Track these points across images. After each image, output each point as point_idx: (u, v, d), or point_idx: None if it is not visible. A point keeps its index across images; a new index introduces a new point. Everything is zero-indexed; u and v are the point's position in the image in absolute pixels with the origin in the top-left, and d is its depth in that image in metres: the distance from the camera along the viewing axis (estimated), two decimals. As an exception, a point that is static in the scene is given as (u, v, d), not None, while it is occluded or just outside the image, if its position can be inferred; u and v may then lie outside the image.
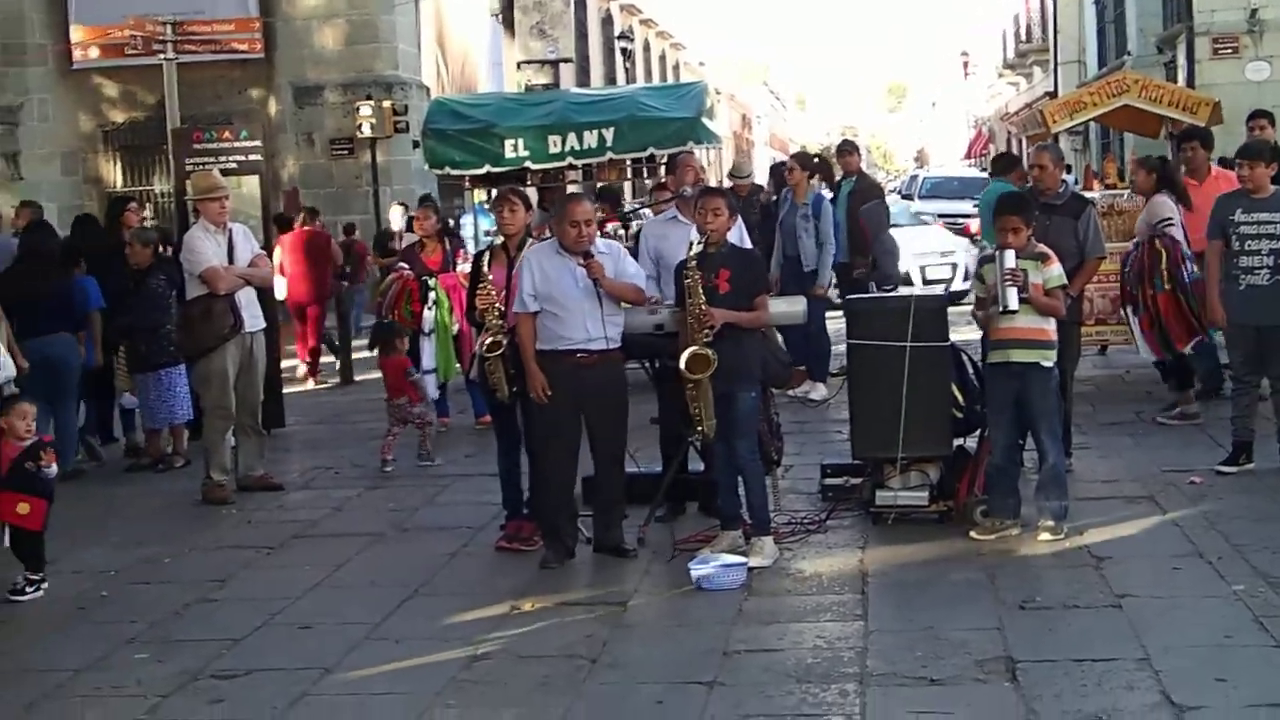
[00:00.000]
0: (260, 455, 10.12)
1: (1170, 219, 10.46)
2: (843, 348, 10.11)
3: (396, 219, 16.19)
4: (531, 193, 11.70)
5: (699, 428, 7.62)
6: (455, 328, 11.45)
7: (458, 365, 11.52)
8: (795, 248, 12.79)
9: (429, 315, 11.49)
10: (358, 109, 22.75)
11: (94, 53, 23.47)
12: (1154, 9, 30.40)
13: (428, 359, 11.54)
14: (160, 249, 11.71)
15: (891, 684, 5.83)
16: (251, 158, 12.84)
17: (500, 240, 8.38)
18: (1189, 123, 13.11)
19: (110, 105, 23.96)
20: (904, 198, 37.43)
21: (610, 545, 7.90)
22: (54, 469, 7.79)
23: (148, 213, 13.37)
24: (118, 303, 10.92)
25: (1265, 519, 8.11)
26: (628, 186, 25.12)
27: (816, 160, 14.91)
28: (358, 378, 15.28)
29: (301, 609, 7.14)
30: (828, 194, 13.58)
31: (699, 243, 7.67)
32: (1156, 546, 7.69)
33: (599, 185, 15.22)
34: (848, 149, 14.65)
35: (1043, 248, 8.07)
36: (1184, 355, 10.71)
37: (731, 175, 15.02)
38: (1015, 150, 45.65)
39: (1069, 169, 11.96)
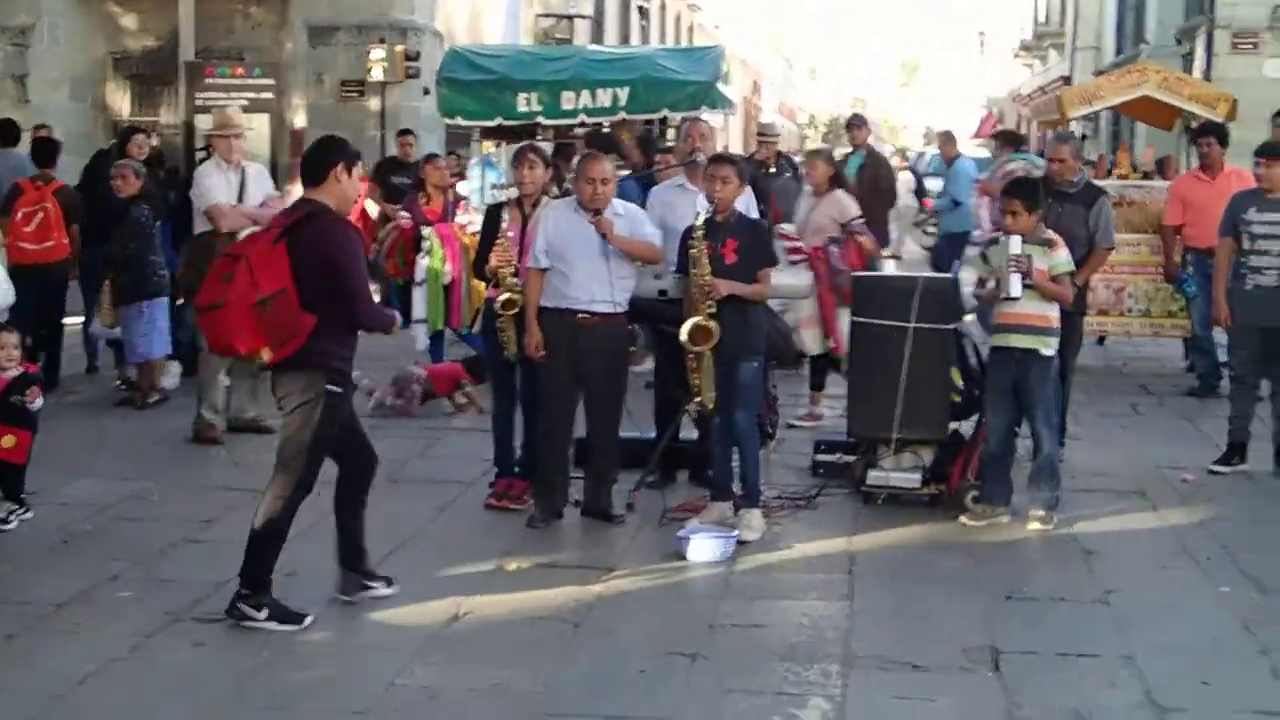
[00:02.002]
0: (253, 397, 10.07)
1: (860, 216, 10.35)
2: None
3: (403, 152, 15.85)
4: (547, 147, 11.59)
5: (697, 398, 7.59)
6: (448, 278, 11.40)
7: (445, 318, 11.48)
8: None
9: (422, 264, 11.44)
10: (370, 52, 22.59)
11: (111, -22, 23.30)
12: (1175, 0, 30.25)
13: (419, 308, 11.48)
14: (165, 176, 11.62)
15: (874, 667, 5.82)
16: (263, 95, 12.87)
17: (516, 195, 8.32)
18: (1207, 117, 13.03)
19: (123, 33, 23.74)
20: (912, 174, 37.32)
21: (599, 510, 7.88)
22: (40, 402, 7.78)
23: (154, 143, 13.15)
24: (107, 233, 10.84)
25: (1256, 521, 8.11)
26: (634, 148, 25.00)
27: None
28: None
29: (286, 555, 7.06)
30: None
31: (707, 211, 7.62)
32: (1146, 543, 7.68)
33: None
34: (857, 122, 14.61)
35: (1050, 234, 8.04)
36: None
37: (761, 134, 14.94)
38: (1027, 133, 45.51)
39: (1089, 162, 11.89)
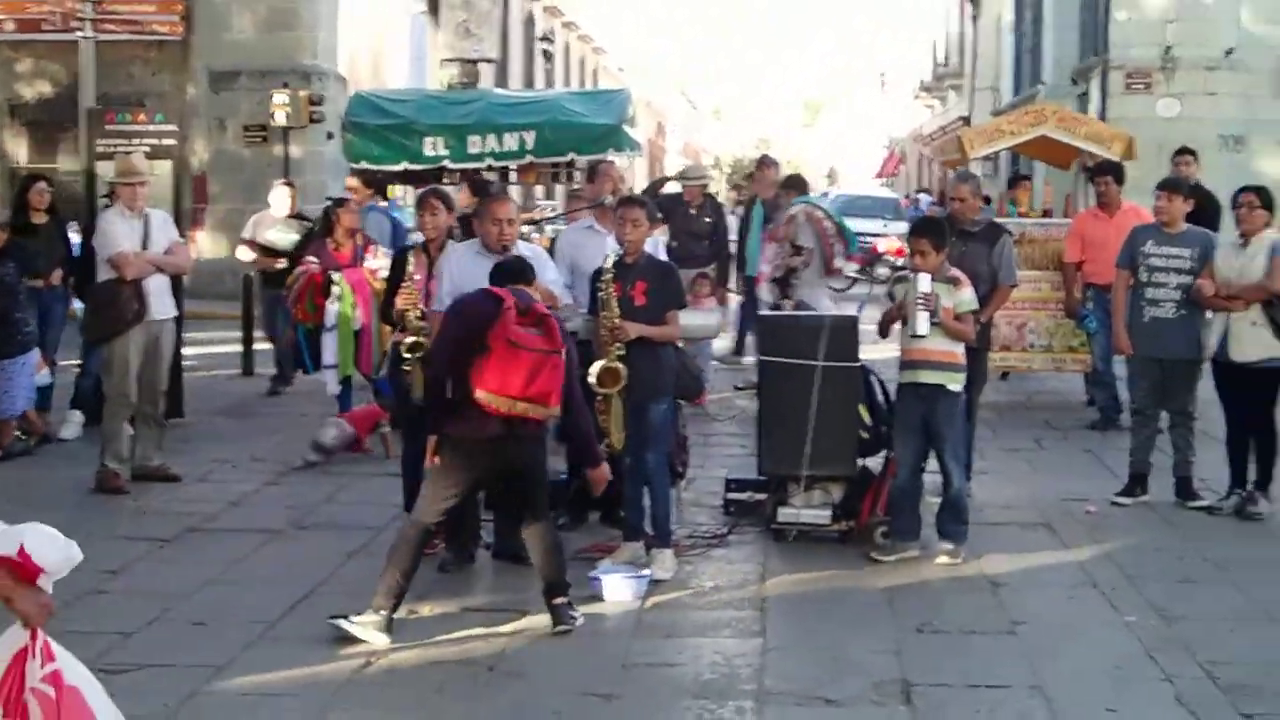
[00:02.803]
0: (158, 445, 9.96)
1: None
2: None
3: (279, 201, 14.69)
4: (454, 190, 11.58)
5: (607, 440, 7.61)
6: (358, 323, 11.35)
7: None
8: None
9: (332, 309, 11.37)
10: (273, 97, 22.50)
11: (9, 26, 23.01)
12: (1071, 41, 30.84)
13: (329, 354, 11.42)
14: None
15: (788, 703, 5.85)
16: (165, 142, 12.79)
17: (422, 240, 8.31)
18: (1104, 156, 13.30)
19: (19, 79, 23.50)
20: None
21: (511, 552, 7.84)
22: None
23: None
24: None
25: (1158, 551, 8.25)
26: (542, 192, 25.10)
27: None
28: (258, 370, 15.01)
29: (196, 605, 7.03)
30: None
31: (616, 253, 7.66)
32: (1052, 574, 7.79)
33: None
34: (766, 163, 14.77)
35: (955, 272, 8.16)
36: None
37: (683, 177, 15.06)
38: (928, 173, 46.22)
39: (987, 200, 12.09)
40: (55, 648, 3.95)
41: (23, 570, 3.91)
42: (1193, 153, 12.85)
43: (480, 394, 6.45)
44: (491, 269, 7.10)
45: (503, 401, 6.45)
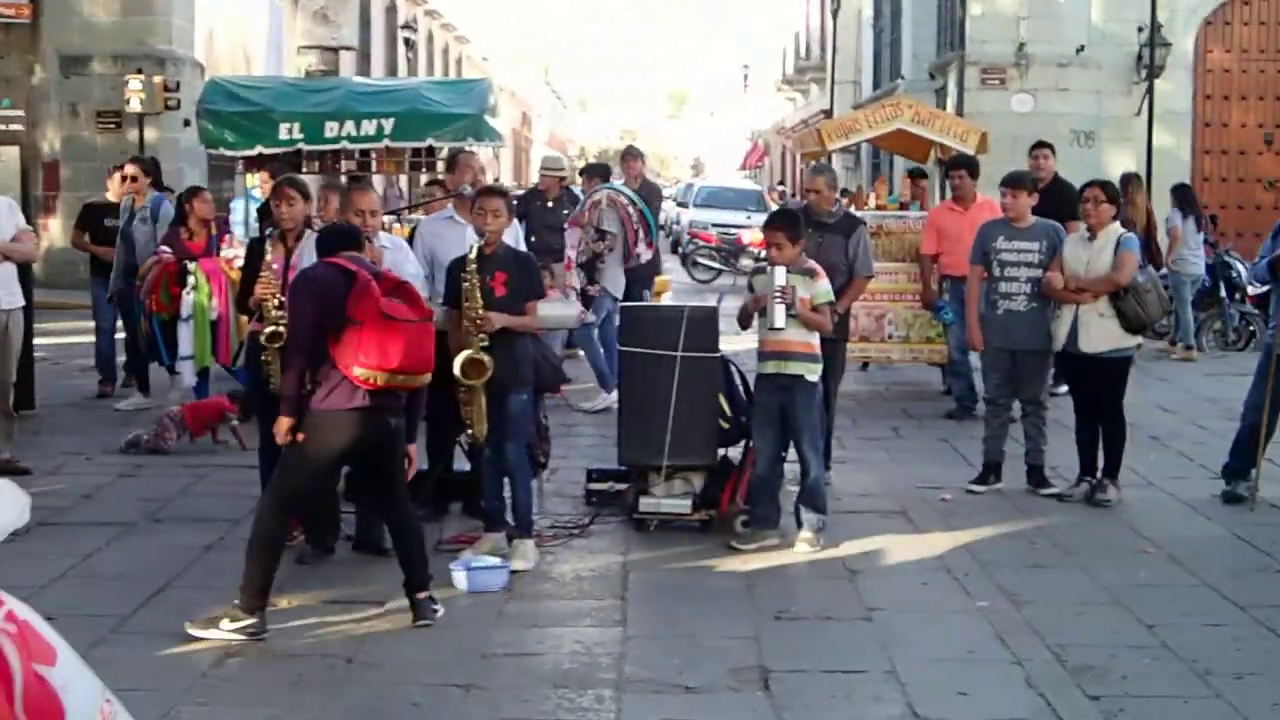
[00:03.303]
0: (8, 437, 9.73)
1: None
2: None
3: (114, 187, 14.18)
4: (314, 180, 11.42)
5: (469, 430, 7.58)
6: (214, 313, 11.20)
7: (212, 354, 11.29)
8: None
9: (188, 299, 11.20)
10: (127, 82, 22.04)
11: None
12: (929, 36, 31.36)
13: (185, 345, 11.25)
14: None
15: (647, 690, 5.88)
16: (12, 127, 12.41)
17: (279, 230, 8.20)
18: (958, 149, 13.53)
19: None
20: (679, 205, 37.94)
21: (371, 543, 7.80)
22: None
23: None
24: None
25: (1010, 537, 8.43)
26: (404, 181, 24.87)
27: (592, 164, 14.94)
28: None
29: (46, 599, 6.85)
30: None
31: (478, 243, 7.63)
32: (907, 561, 7.92)
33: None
34: (632, 154, 14.78)
35: (812, 264, 8.25)
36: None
37: (544, 168, 15.02)
38: (792, 166, 46.69)
39: (845, 192, 12.23)
40: None
41: None
42: (1049, 146, 13.13)
43: (358, 370, 6.39)
44: (318, 236, 7.02)
45: (382, 375, 6.40)
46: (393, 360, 6.39)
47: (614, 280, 12.68)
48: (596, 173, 14.19)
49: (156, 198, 12.84)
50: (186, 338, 11.14)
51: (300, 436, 6.61)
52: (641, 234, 12.86)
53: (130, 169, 12.94)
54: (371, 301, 6.38)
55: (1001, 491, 9.44)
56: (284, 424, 6.61)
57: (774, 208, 21.06)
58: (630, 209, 12.79)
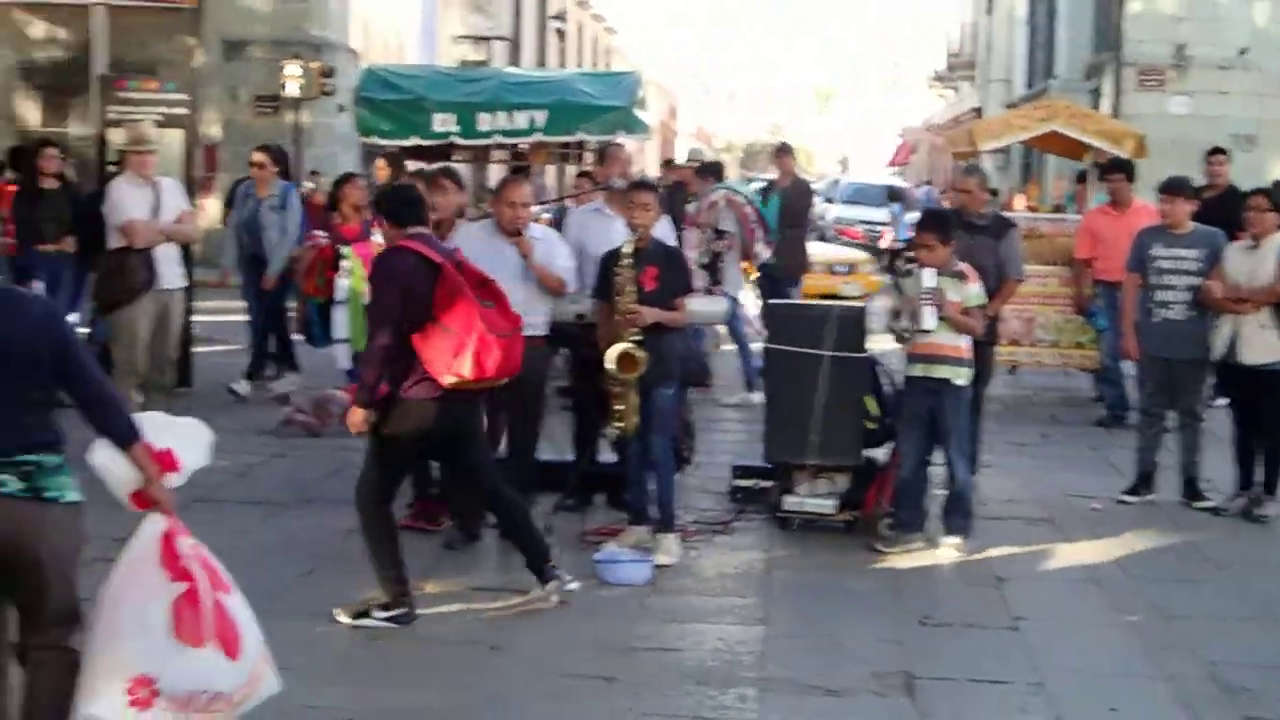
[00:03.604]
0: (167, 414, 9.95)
1: None
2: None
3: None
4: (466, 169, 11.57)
5: (619, 423, 7.60)
6: (368, 297, 11.33)
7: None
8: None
9: (342, 284, 11.36)
10: (284, 68, 22.46)
11: (22, -12, 23.00)
12: (1084, 35, 30.80)
13: (340, 328, 11.41)
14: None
15: (788, 691, 5.86)
16: (176, 111, 12.67)
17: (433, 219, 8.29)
18: (1114, 153, 13.27)
19: (31, 43, 23.48)
20: (825, 201, 37.74)
21: (517, 531, 7.86)
22: None
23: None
24: None
25: (1162, 550, 8.25)
26: (552, 172, 25.03)
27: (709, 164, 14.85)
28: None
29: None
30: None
31: (631, 239, 7.64)
32: (1055, 570, 7.80)
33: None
34: (785, 150, 14.73)
35: (962, 266, 8.14)
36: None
37: (691, 160, 15.05)
38: (941, 164, 46.16)
39: (994, 192, 12.07)
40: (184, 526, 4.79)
41: (165, 464, 4.76)
42: (1225, 152, 12.82)
43: (449, 379, 6.35)
44: (383, 198, 7.01)
45: (472, 382, 6.41)
46: (488, 371, 6.38)
47: (733, 281, 12.65)
48: (711, 172, 14.13)
49: (286, 186, 13.03)
50: (341, 321, 11.29)
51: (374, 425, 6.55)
52: (760, 234, 12.82)
53: (258, 156, 13.09)
54: (467, 309, 6.31)
55: (1154, 503, 9.24)
56: (358, 415, 6.55)
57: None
58: (747, 208, 12.74)
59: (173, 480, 4.82)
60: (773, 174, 14.42)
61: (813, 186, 18.54)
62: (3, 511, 4.38)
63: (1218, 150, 12.81)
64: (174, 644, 4.56)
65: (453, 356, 6.34)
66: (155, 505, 4.73)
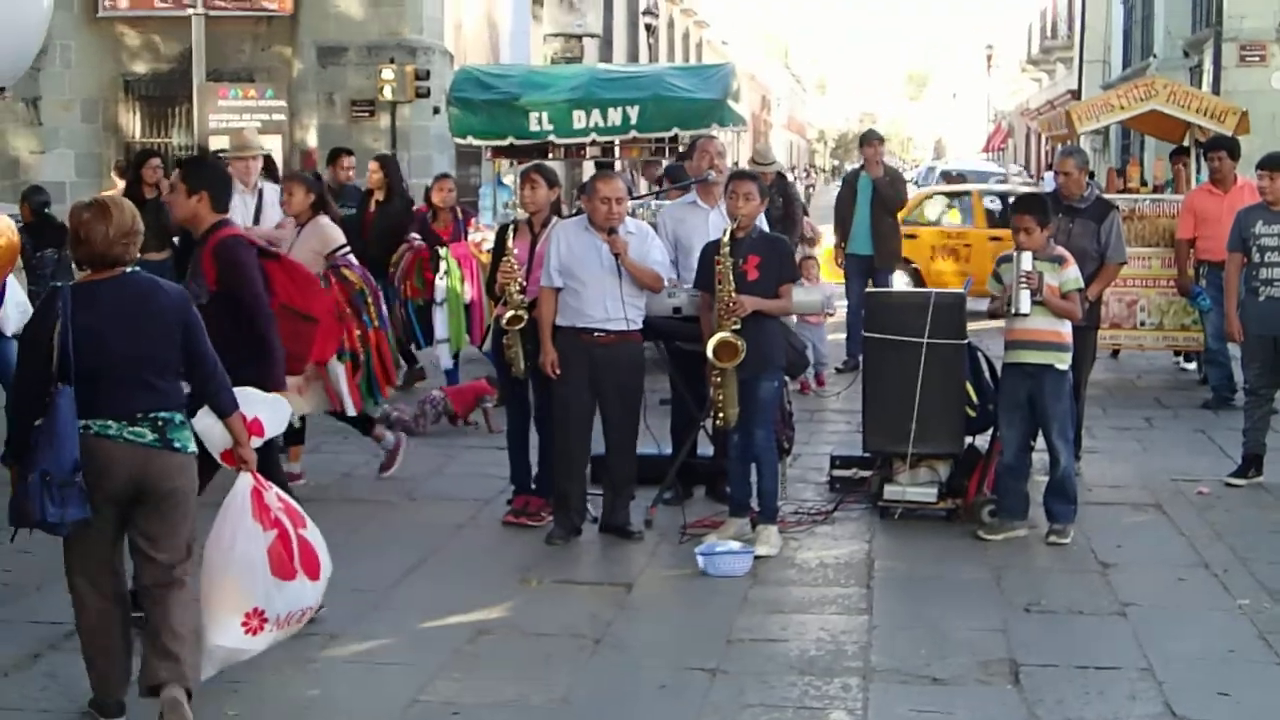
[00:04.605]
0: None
1: (345, 246, 8.97)
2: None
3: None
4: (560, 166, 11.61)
5: (719, 414, 7.61)
6: (468, 297, 11.45)
7: (467, 336, 11.53)
8: None
9: (440, 284, 11.49)
10: (380, 72, 22.69)
11: (123, 2, 23.40)
12: (1183, 12, 30.31)
13: (440, 329, 11.54)
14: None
15: (894, 680, 5.84)
16: (275, 117, 12.91)
17: (525, 216, 8.37)
18: (1216, 131, 13.05)
19: (132, 55, 23.87)
20: (918, 188, 37.47)
21: (617, 525, 7.92)
22: None
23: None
24: None
25: (1272, 533, 8.12)
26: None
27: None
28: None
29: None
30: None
31: (730, 228, 7.65)
32: (1162, 555, 7.70)
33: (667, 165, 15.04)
34: (869, 139, 14.65)
35: (1060, 250, 8.07)
36: None
37: (753, 161, 14.98)
38: (1036, 147, 45.62)
39: (1091, 174, 11.85)
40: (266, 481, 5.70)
41: (253, 430, 5.70)
42: None
43: None
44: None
45: None
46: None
47: None
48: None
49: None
50: (441, 321, 11.44)
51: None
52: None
53: (373, 165, 13.18)
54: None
55: (1263, 485, 9.09)
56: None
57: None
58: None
59: (256, 442, 5.73)
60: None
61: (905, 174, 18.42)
62: (140, 457, 5.19)
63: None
64: (273, 580, 5.51)
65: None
66: (243, 464, 5.60)
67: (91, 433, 5.11)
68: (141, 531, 5.29)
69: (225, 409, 5.52)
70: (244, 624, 5.47)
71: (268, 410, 5.98)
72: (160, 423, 5.24)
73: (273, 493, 5.63)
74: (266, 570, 5.49)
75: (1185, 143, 14.58)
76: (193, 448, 5.36)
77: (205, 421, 5.53)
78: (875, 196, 13.92)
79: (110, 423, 5.15)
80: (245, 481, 5.57)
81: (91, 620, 5.30)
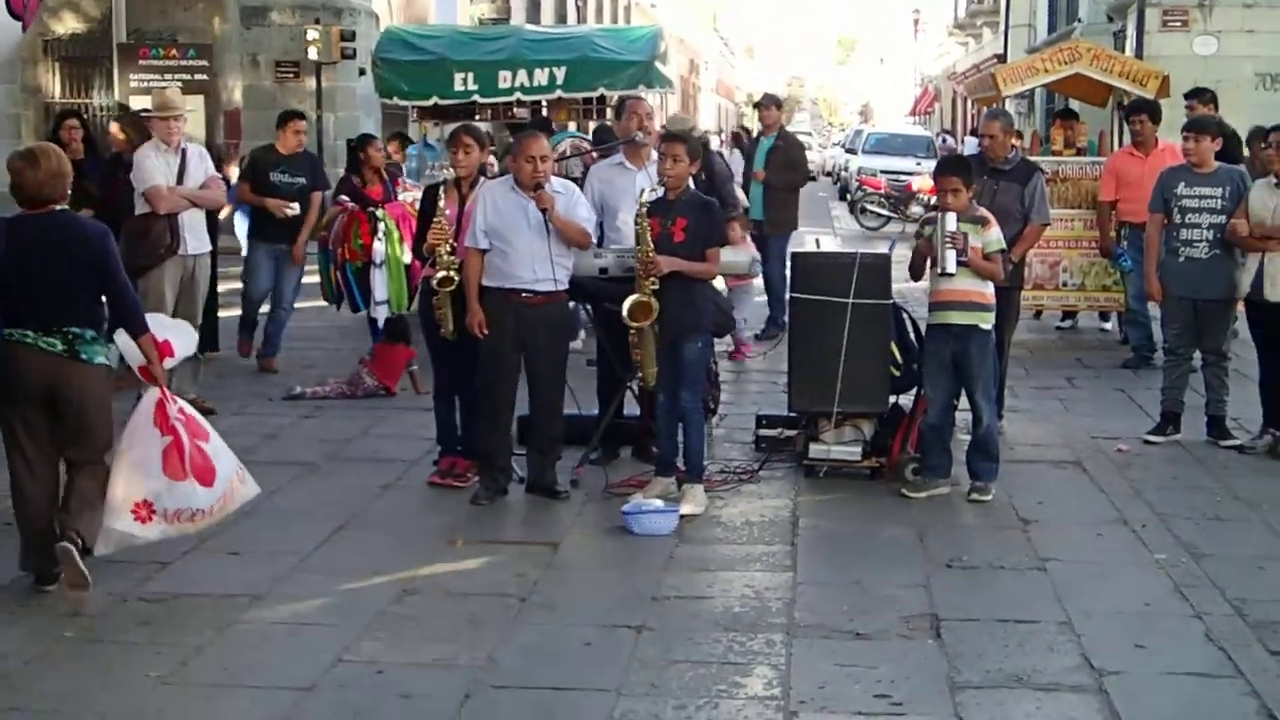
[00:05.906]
0: (194, 378, 10.01)
1: None
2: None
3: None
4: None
5: (639, 374, 7.63)
6: (407, 258, 11.35)
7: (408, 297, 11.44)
8: None
9: (379, 247, 11.38)
10: (305, 32, 22.47)
11: (40, -40, 23.04)
12: (1107, -23, 30.50)
13: (379, 290, 11.44)
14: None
15: (817, 636, 5.89)
16: (198, 77, 12.71)
17: (453, 177, 8.31)
18: (1138, 94, 13.18)
19: (51, 15, 23.51)
20: (848, 152, 37.57)
21: (544, 486, 7.92)
22: None
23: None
24: None
25: (1189, 489, 8.26)
26: (572, 128, 25.00)
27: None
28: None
29: (231, 536, 7.09)
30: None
31: (653, 189, 7.65)
32: (1082, 512, 7.80)
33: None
34: (768, 102, 14.40)
35: (983, 211, 8.14)
36: None
37: (665, 129, 14.88)
38: (963, 111, 45.86)
39: (1019, 135, 11.90)
40: (171, 394, 6.53)
41: (164, 351, 6.60)
42: (1202, 94, 12.48)
43: None
44: None
45: None
46: None
47: None
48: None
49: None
50: (381, 284, 11.33)
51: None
52: None
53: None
54: None
55: (1180, 443, 9.24)
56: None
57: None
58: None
59: (168, 363, 6.67)
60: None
61: (833, 137, 18.36)
62: (51, 364, 6.19)
63: (1195, 92, 12.54)
64: (164, 479, 6.30)
65: None
66: (153, 380, 6.43)
67: (13, 340, 6.16)
68: (59, 431, 6.30)
69: (136, 330, 6.43)
70: (133, 512, 6.26)
71: (175, 334, 6.96)
72: (71, 336, 6.20)
73: (176, 406, 6.44)
74: (159, 469, 6.28)
75: (1107, 107, 14.74)
76: (100, 360, 6.29)
77: (124, 339, 6.46)
78: (770, 161, 13.73)
79: (29, 333, 6.17)
80: (152, 394, 6.42)
81: (24, 496, 6.35)
